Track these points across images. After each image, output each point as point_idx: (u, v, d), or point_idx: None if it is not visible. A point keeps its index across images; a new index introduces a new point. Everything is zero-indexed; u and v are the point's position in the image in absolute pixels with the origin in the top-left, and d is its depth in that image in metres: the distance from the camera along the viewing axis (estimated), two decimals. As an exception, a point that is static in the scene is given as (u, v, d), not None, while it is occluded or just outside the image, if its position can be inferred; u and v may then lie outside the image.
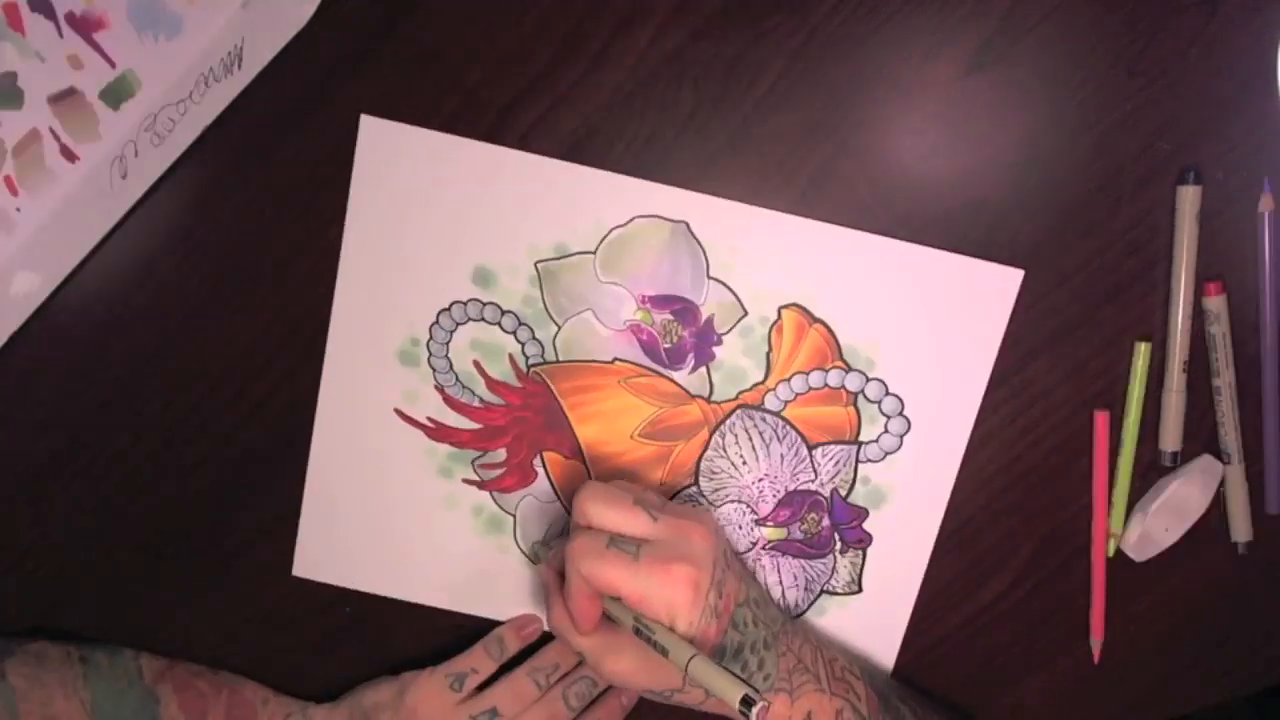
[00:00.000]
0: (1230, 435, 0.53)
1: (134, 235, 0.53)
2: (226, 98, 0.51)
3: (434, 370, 0.54)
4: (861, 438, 0.55)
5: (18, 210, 0.51)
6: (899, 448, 0.55)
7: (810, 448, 0.55)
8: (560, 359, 0.54)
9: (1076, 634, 0.57)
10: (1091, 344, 0.53)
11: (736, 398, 0.54)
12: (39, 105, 0.50)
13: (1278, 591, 0.56)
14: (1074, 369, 0.54)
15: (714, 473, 0.56)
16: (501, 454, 0.56)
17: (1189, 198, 0.51)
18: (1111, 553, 0.55)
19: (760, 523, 0.56)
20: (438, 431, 0.55)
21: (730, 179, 0.52)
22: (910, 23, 0.50)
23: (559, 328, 0.54)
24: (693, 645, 0.45)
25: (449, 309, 0.54)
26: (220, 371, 0.55)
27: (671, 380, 0.54)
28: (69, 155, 0.51)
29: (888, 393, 0.54)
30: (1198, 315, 0.52)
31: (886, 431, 0.55)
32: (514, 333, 0.54)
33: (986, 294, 0.53)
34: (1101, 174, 0.51)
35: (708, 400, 0.54)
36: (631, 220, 0.52)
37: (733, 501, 0.56)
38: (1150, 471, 0.55)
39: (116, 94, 0.50)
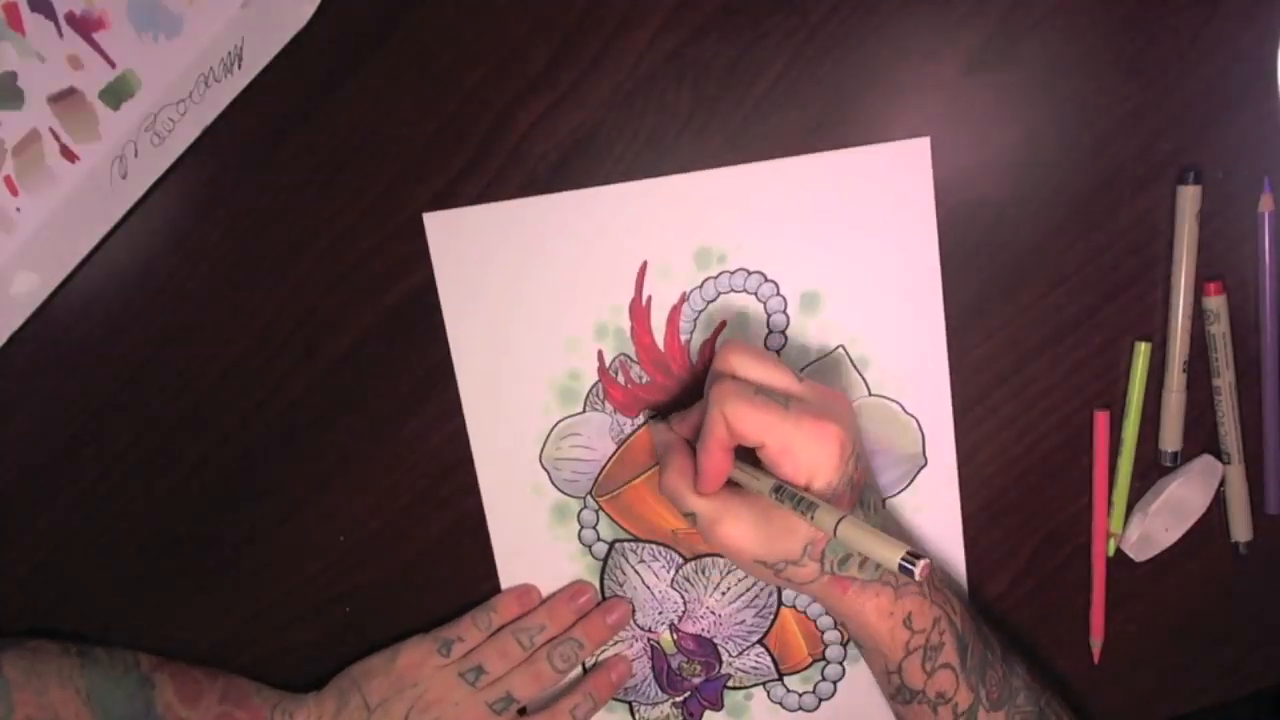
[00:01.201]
0: (1230, 435, 0.53)
1: (134, 235, 0.53)
2: (226, 98, 0.51)
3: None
4: (792, 684, 0.58)
5: (18, 210, 0.51)
6: (816, 707, 0.58)
7: (763, 643, 0.57)
8: None
9: (1076, 634, 0.57)
10: (1091, 344, 0.53)
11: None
12: (39, 105, 0.50)
13: (1278, 591, 0.56)
14: (1074, 369, 0.54)
15: (703, 567, 0.56)
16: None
17: (1189, 198, 0.51)
18: (1112, 553, 0.55)
19: (672, 626, 0.57)
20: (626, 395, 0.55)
21: (730, 179, 0.52)
22: (910, 22, 0.50)
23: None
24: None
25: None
26: (220, 371, 0.55)
27: None
28: (69, 155, 0.51)
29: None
30: (1198, 315, 0.52)
31: (824, 678, 0.57)
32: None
33: (902, 172, 0.51)
34: (1101, 174, 0.51)
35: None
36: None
37: (680, 592, 0.57)
38: (1150, 471, 0.55)
39: (116, 94, 0.51)
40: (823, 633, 0.57)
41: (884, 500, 0.50)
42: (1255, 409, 0.53)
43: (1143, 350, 0.53)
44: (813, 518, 0.43)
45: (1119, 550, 0.56)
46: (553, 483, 0.56)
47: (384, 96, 0.51)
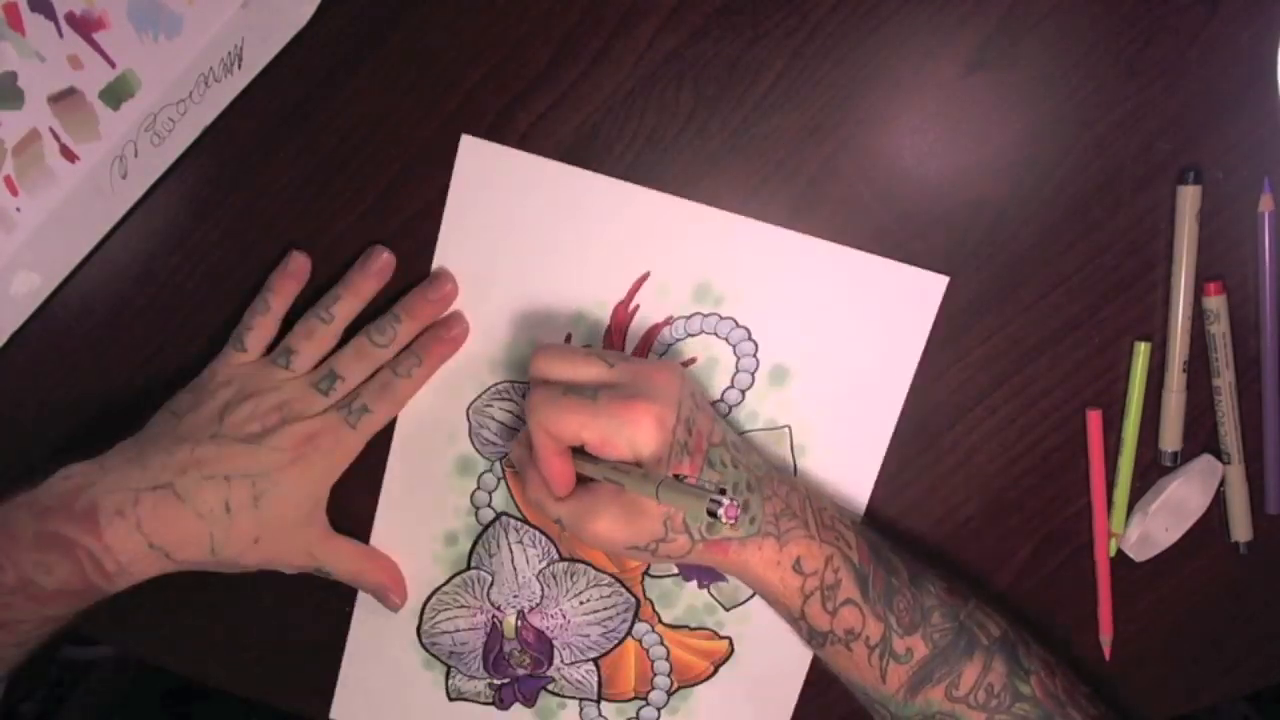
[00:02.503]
0: (1230, 435, 0.53)
1: (134, 235, 0.53)
2: (226, 98, 0.51)
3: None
4: (608, 711, 0.58)
5: (18, 210, 0.51)
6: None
7: (597, 661, 0.58)
8: None
9: (1077, 634, 0.57)
10: (1091, 344, 0.53)
11: None
12: (39, 105, 0.50)
13: (1278, 591, 0.56)
14: (1074, 369, 0.54)
15: (573, 572, 0.57)
16: None
17: (1189, 198, 0.51)
18: (1113, 553, 0.55)
19: (521, 614, 0.57)
20: None
21: (730, 179, 0.52)
22: (910, 22, 0.50)
23: None
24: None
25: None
26: (220, 371, 0.55)
27: None
28: (69, 155, 0.51)
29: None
30: (1198, 315, 0.52)
31: (638, 717, 0.58)
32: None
33: (911, 299, 0.53)
34: (1101, 174, 0.51)
35: None
36: None
37: (543, 585, 0.57)
38: (1150, 471, 0.55)
39: (116, 94, 0.51)
40: (654, 675, 0.58)
41: (738, 450, 0.50)
42: (1255, 409, 0.53)
43: (1142, 350, 0.53)
44: (641, 490, 0.44)
45: (1119, 550, 0.56)
46: (470, 436, 0.55)
47: (384, 96, 0.51)
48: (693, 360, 0.54)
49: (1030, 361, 0.54)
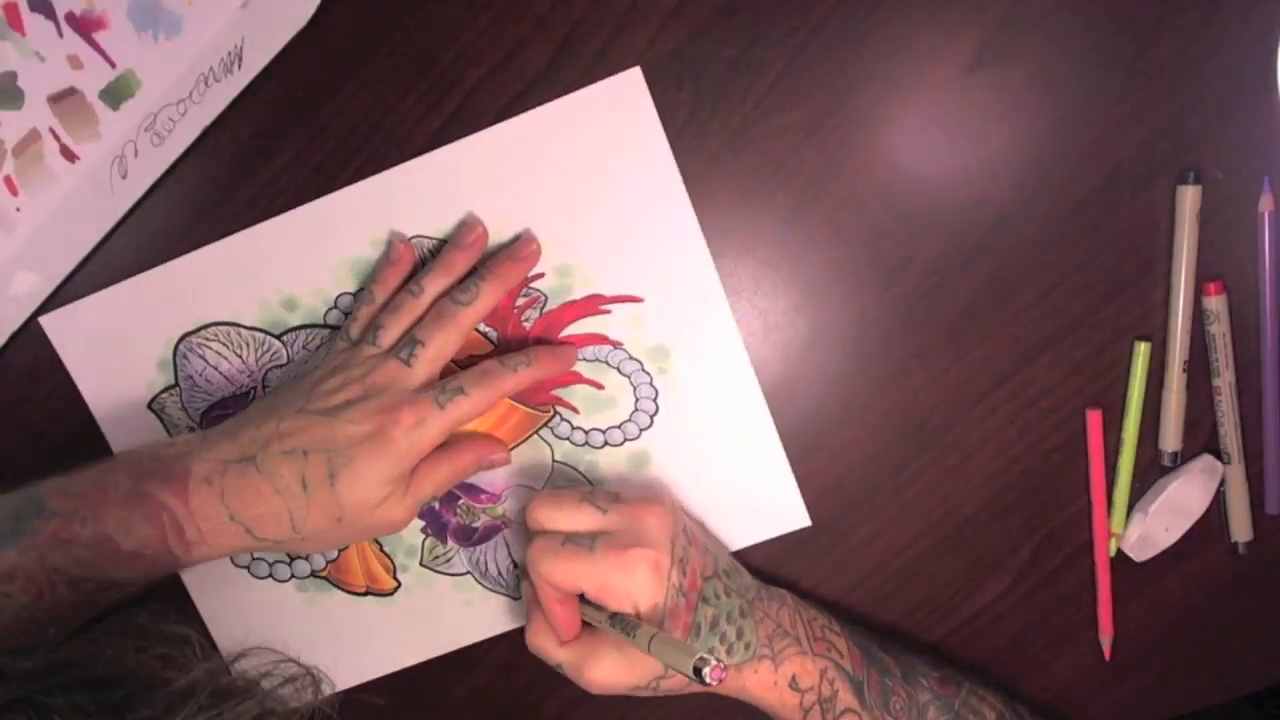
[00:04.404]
0: (1230, 435, 0.53)
1: (134, 235, 0.53)
2: (226, 98, 0.51)
3: None
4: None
5: (18, 210, 0.51)
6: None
7: None
8: None
9: (1077, 634, 0.57)
10: (1091, 344, 0.53)
11: None
12: (39, 105, 0.50)
13: (1278, 591, 0.56)
14: (1074, 369, 0.54)
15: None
16: None
17: (1189, 198, 0.51)
18: (1112, 553, 0.55)
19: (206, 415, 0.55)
20: None
21: (730, 179, 0.52)
22: (910, 22, 0.50)
23: None
24: (658, 626, 0.46)
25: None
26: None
27: None
28: (69, 155, 0.51)
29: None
30: (1198, 315, 0.52)
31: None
32: None
33: (623, 110, 0.50)
34: (1101, 174, 0.51)
35: None
36: None
37: (253, 382, 0.54)
38: (1150, 471, 0.55)
39: (116, 94, 0.51)
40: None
41: (729, 577, 0.51)
42: (1255, 409, 0.54)
43: (1142, 350, 0.53)
44: (634, 639, 0.45)
45: (1119, 550, 0.56)
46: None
47: (384, 96, 0.51)
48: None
49: (1030, 361, 0.54)
